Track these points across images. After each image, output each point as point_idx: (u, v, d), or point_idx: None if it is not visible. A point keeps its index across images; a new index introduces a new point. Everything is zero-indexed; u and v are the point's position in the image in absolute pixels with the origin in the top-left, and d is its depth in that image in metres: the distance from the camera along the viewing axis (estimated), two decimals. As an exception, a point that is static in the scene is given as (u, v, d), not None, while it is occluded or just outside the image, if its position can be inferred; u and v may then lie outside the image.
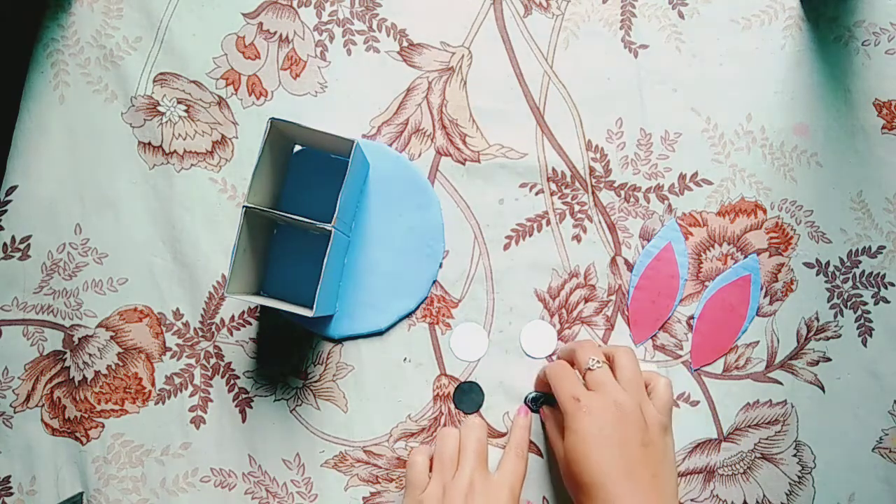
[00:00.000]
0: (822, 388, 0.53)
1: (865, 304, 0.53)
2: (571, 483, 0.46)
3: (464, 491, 0.46)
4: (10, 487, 0.53)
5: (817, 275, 0.53)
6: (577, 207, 0.54)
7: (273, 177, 0.50)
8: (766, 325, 0.53)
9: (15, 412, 0.53)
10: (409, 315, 0.54)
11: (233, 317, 0.54)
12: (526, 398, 0.53)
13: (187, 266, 0.54)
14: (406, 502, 0.48)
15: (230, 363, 0.53)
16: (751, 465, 0.52)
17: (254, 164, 0.47)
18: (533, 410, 0.52)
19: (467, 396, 0.53)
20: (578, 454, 0.44)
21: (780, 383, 0.53)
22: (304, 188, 0.53)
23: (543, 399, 0.52)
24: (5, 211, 0.54)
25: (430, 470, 0.49)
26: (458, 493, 0.46)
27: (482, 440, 0.50)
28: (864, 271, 0.53)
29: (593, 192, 0.54)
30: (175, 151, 0.54)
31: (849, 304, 0.53)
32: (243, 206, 0.47)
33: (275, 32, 0.55)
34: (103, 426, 0.53)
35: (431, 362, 0.53)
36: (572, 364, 0.49)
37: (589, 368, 0.47)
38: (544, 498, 0.52)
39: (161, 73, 0.55)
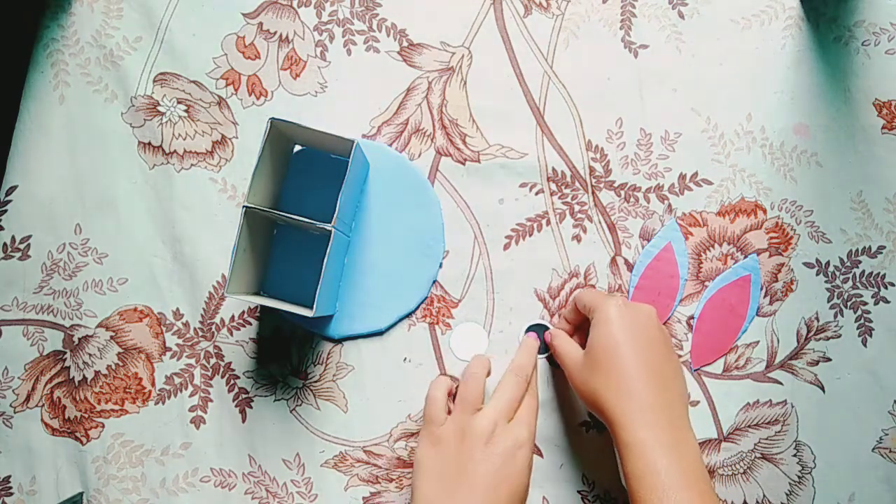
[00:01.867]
0: (822, 388, 0.53)
1: (865, 304, 0.53)
2: (594, 375, 0.46)
3: (485, 435, 0.45)
4: (10, 487, 0.53)
5: (817, 275, 0.53)
6: (577, 207, 0.54)
7: (273, 177, 0.50)
8: (766, 325, 0.53)
9: (15, 412, 0.53)
10: (409, 315, 0.54)
11: (233, 317, 0.54)
12: (528, 329, 0.53)
13: (187, 266, 0.54)
14: (422, 436, 0.48)
15: (230, 363, 0.53)
16: (751, 465, 0.52)
17: (254, 164, 0.47)
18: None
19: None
20: (609, 345, 0.45)
21: (780, 383, 0.53)
22: (304, 188, 0.53)
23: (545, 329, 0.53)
24: (5, 211, 0.54)
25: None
26: (478, 437, 0.45)
27: (519, 396, 0.48)
28: (864, 271, 0.53)
29: (593, 192, 0.54)
30: (175, 151, 0.54)
31: (849, 304, 0.53)
32: (243, 206, 0.47)
33: (275, 32, 0.55)
34: (103, 426, 0.53)
35: (431, 362, 0.53)
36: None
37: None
38: (544, 498, 0.52)
39: (161, 73, 0.55)
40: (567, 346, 0.49)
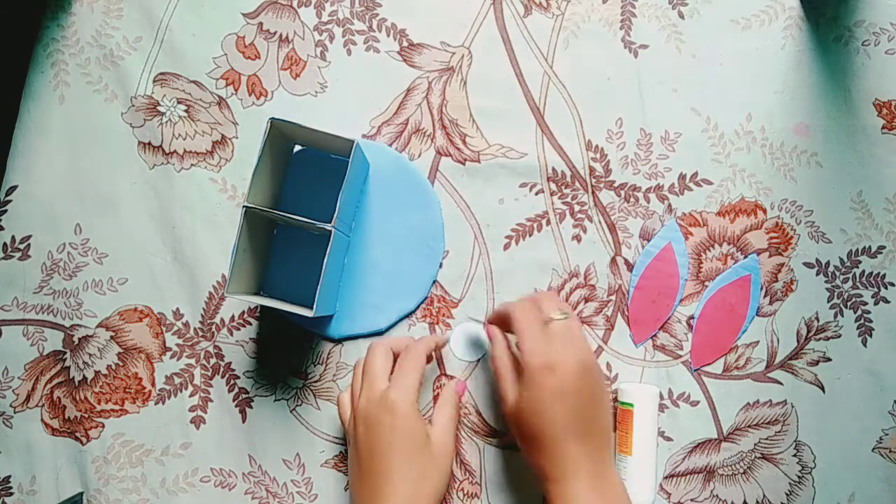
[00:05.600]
0: (822, 388, 0.53)
1: (865, 304, 0.53)
2: (522, 433, 0.46)
3: (363, 418, 0.46)
4: (10, 487, 0.53)
5: (817, 275, 0.53)
6: (577, 207, 0.54)
7: (273, 177, 0.50)
8: (766, 325, 0.53)
9: (15, 412, 0.53)
10: (409, 315, 0.54)
11: (233, 317, 0.54)
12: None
13: (187, 266, 0.54)
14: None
15: (230, 363, 0.53)
16: (751, 465, 0.52)
17: (254, 164, 0.47)
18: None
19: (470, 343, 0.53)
20: (535, 409, 0.44)
21: (780, 383, 0.53)
22: (304, 188, 0.53)
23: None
24: (5, 211, 0.54)
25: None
26: (362, 422, 0.46)
27: (385, 368, 0.48)
28: (864, 271, 0.53)
29: (593, 192, 0.54)
30: (175, 151, 0.54)
31: (849, 304, 0.53)
32: (243, 206, 0.47)
33: (275, 32, 0.55)
34: (103, 426, 0.53)
35: (431, 362, 0.53)
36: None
37: (553, 318, 0.46)
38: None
39: (161, 73, 0.55)
40: (505, 383, 0.47)
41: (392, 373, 0.48)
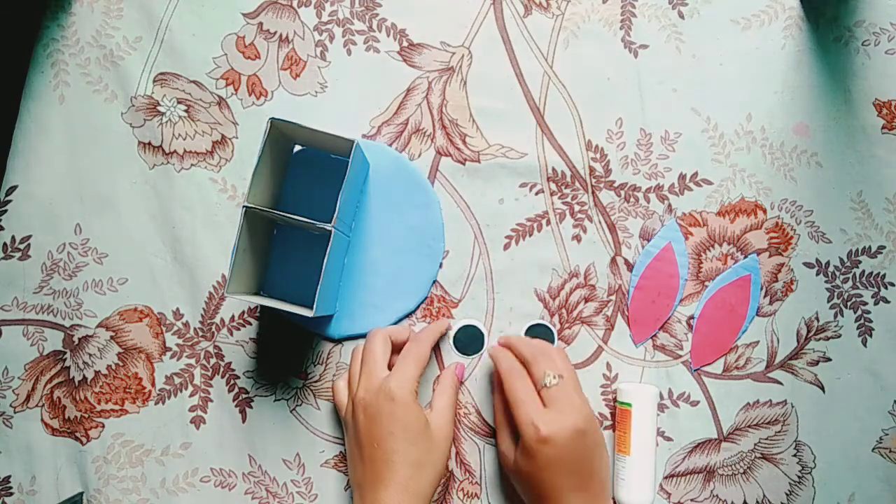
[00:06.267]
0: (822, 388, 0.53)
1: (865, 304, 0.53)
2: (521, 489, 0.48)
3: (364, 405, 0.47)
4: (10, 487, 0.53)
5: (817, 275, 0.53)
6: (577, 207, 0.54)
7: (273, 177, 0.50)
8: (766, 325, 0.53)
9: (15, 412, 0.53)
10: (409, 315, 0.54)
11: (233, 317, 0.54)
12: (528, 328, 0.53)
13: (187, 266, 0.54)
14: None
15: (230, 363, 0.53)
16: (751, 465, 0.52)
17: (254, 164, 0.47)
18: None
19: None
20: (534, 472, 0.46)
21: (780, 383, 0.53)
22: (304, 188, 0.53)
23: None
24: (5, 211, 0.54)
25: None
26: (361, 409, 0.47)
27: (383, 356, 0.49)
28: (864, 271, 0.53)
29: (593, 192, 0.54)
30: (175, 151, 0.54)
31: (849, 304, 0.53)
32: (243, 206, 0.47)
33: (275, 32, 0.55)
34: (103, 426, 0.53)
35: (431, 362, 0.53)
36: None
37: (545, 385, 0.47)
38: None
39: (161, 73, 0.55)
40: (504, 443, 0.49)
41: (392, 362, 0.49)
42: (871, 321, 0.53)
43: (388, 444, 0.45)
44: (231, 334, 0.54)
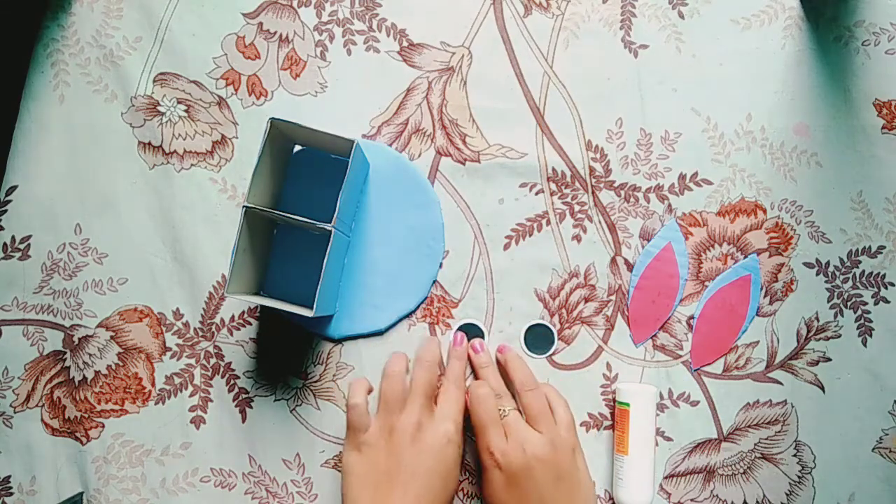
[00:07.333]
0: (822, 388, 0.53)
1: (865, 304, 0.53)
2: None
3: (410, 431, 0.47)
4: (10, 487, 0.53)
5: (817, 275, 0.53)
6: (577, 207, 0.54)
7: (273, 177, 0.50)
8: (766, 325, 0.53)
9: (15, 412, 0.53)
10: (409, 315, 0.54)
11: (233, 317, 0.54)
12: (528, 328, 0.53)
13: (187, 266, 0.54)
14: (348, 443, 0.48)
15: (230, 363, 0.53)
16: (751, 465, 0.52)
17: (254, 164, 0.47)
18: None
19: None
20: (496, 498, 0.47)
21: (780, 383, 0.53)
22: (304, 188, 0.53)
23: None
24: (5, 211, 0.54)
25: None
26: (404, 434, 0.47)
27: (432, 382, 0.50)
28: (864, 271, 0.53)
29: (593, 192, 0.54)
30: (175, 151, 0.54)
31: (849, 304, 0.53)
32: (243, 206, 0.47)
33: (275, 32, 0.55)
34: (103, 426, 0.53)
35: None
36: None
37: (501, 414, 0.48)
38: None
39: (161, 73, 0.55)
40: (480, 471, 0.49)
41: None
42: (871, 321, 0.53)
43: (419, 475, 0.46)
44: (231, 334, 0.54)
